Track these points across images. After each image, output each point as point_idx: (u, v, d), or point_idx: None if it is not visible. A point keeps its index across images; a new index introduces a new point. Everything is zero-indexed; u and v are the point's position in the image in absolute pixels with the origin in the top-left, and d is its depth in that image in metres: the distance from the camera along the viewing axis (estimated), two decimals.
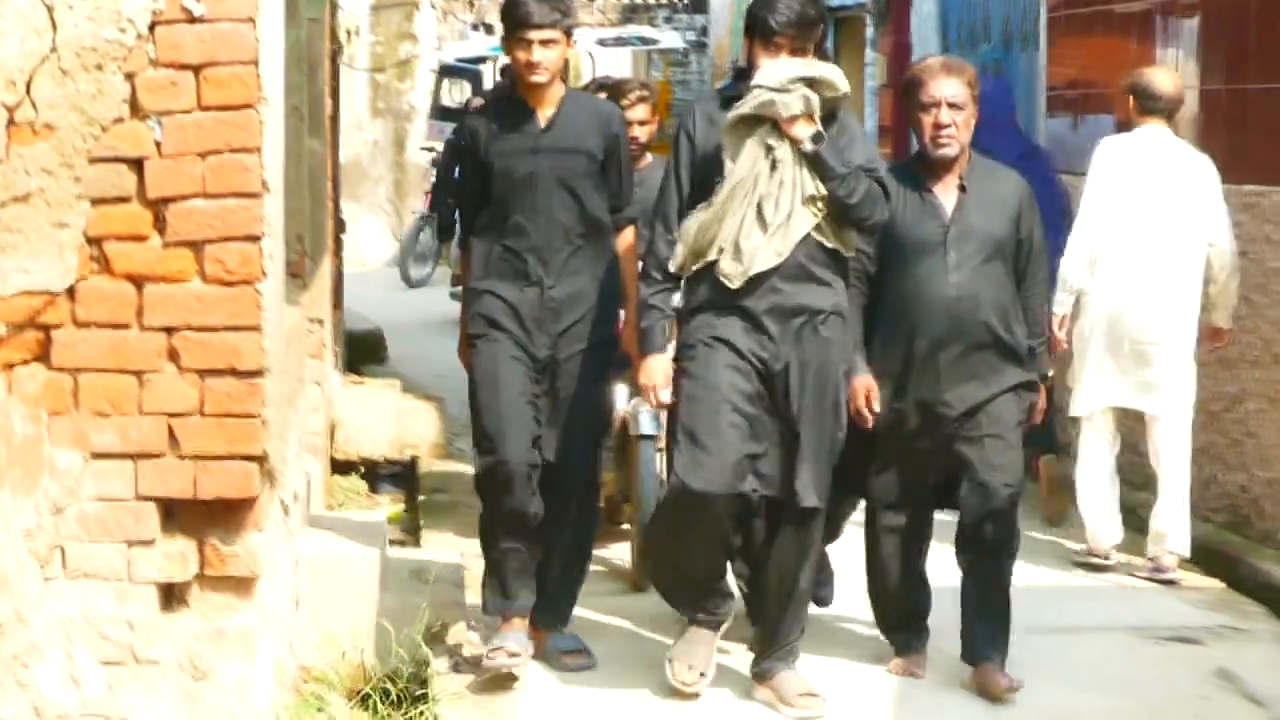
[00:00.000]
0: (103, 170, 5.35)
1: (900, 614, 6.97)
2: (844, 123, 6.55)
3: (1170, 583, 8.33)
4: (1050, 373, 7.20)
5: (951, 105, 6.68)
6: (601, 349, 6.86)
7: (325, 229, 9.69)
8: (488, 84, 20.83)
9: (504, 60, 10.59)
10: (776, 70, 6.41)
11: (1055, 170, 9.52)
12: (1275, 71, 8.80)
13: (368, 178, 24.28)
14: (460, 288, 7.29)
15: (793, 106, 6.34)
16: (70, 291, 5.37)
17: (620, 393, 7.62)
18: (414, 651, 6.43)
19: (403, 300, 19.20)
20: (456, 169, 8.57)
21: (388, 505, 9.56)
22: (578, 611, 7.16)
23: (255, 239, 5.39)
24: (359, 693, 6.27)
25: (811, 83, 6.37)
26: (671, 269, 6.49)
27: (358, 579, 6.63)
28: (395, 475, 10.21)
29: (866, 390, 6.66)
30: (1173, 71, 8.85)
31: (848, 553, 7.29)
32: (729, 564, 6.78)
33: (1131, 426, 8.70)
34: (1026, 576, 7.46)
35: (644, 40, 23.21)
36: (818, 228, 6.39)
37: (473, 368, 6.81)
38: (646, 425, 7.79)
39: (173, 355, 5.40)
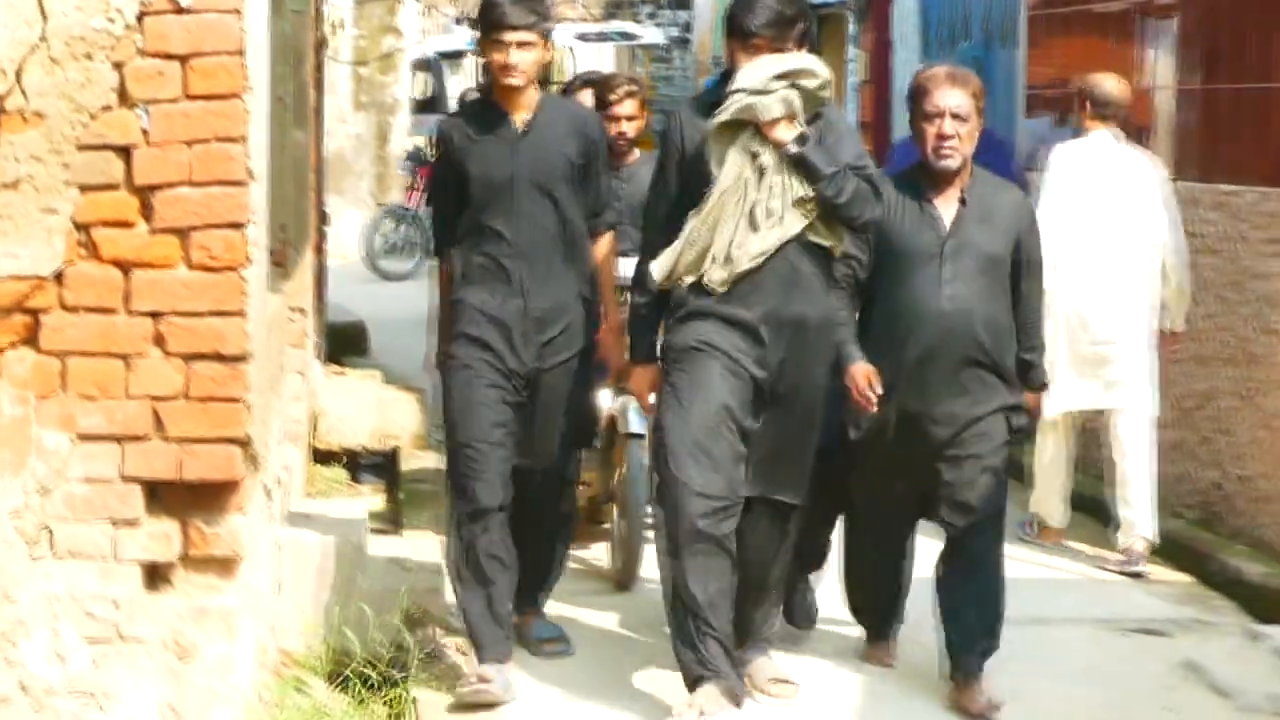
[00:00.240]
0: (91, 157, 5.43)
1: (872, 600, 6.96)
2: (830, 120, 6.43)
3: (1139, 575, 8.41)
4: (1049, 383, 7.14)
5: (955, 116, 6.53)
6: (584, 357, 6.80)
7: (308, 218, 9.75)
8: (465, 79, 20.80)
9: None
10: (755, 71, 6.27)
11: (1021, 165, 9.63)
12: (1249, 72, 8.89)
13: (351, 171, 24.18)
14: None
15: (773, 110, 6.22)
16: (58, 276, 5.45)
17: (603, 396, 7.63)
18: (393, 636, 6.49)
19: (384, 293, 19.16)
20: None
21: (369, 495, 9.61)
22: (559, 609, 7.19)
23: (240, 226, 5.47)
24: (339, 676, 6.34)
25: (792, 76, 6.24)
26: (658, 279, 6.36)
27: (338, 565, 6.67)
28: (376, 465, 10.24)
29: (866, 375, 6.50)
30: (1120, 77, 8.93)
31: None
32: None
33: (1093, 418, 8.85)
34: None
35: (626, 35, 23.14)
36: (810, 226, 6.30)
37: (448, 392, 6.64)
38: (635, 424, 7.64)
39: (159, 340, 5.48)
